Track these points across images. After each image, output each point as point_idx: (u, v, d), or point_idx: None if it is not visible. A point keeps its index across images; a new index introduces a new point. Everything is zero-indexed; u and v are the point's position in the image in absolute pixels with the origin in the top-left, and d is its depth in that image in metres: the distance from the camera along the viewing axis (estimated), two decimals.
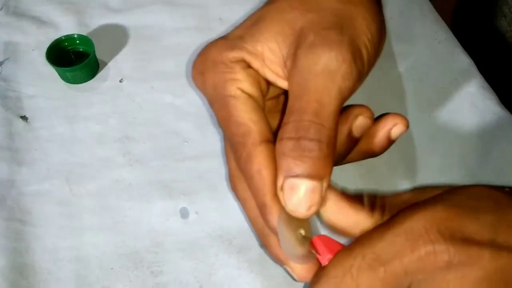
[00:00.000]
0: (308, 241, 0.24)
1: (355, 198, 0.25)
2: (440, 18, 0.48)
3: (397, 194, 0.25)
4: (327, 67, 0.23)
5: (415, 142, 0.39)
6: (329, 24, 0.24)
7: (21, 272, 0.33)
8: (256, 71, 0.26)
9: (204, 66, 0.26)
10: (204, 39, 0.46)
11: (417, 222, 0.22)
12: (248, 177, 0.25)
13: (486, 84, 0.43)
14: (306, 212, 0.23)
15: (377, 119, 0.27)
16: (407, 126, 0.27)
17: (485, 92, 0.42)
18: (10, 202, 0.36)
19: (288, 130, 0.23)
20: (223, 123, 0.26)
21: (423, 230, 0.21)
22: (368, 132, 0.27)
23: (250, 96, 0.25)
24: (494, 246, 0.21)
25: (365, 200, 0.25)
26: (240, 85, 0.25)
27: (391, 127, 0.27)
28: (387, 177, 0.38)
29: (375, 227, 0.23)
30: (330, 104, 0.23)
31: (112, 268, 0.34)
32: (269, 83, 0.27)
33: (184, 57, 0.44)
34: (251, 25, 0.26)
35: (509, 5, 0.49)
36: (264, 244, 0.27)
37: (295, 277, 0.26)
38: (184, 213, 0.36)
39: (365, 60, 0.25)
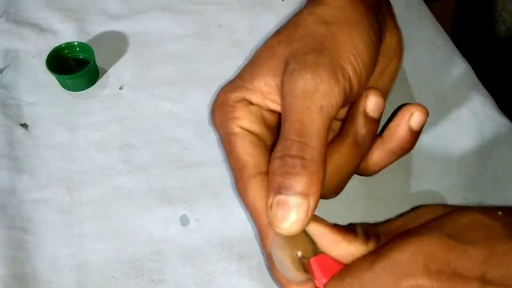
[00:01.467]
0: (306, 261, 0.25)
1: (348, 230, 0.25)
2: (438, 24, 0.48)
3: (389, 221, 0.26)
4: (305, 88, 0.25)
5: (415, 149, 0.39)
6: (309, 49, 0.26)
7: (22, 281, 0.33)
8: (258, 106, 0.28)
9: (214, 108, 0.29)
10: (203, 45, 0.46)
11: (404, 255, 0.22)
12: (247, 207, 0.27)
13: (484, 90, 0.43)
14: (290, 229, 0.24)
15: (394, 113, 0.28)
16: (426, 113, 0.28)
17: (483, 98, 0.42)
18: (11, 210, 0.36)
19: (275, 150, 0.25)
20: (227, 156, 0.28)
21: (408, 264, 0.22)
22: (390, 129, 0.28)
23: (250, 132, 0.28)
24: (483, 281, 0.21)
25: (358, 230, 0.25)
26: (240, 123, 0.28)
27: (409, 118, 0.27)
28: (386, 183, 0.38)
29: (366, 255, 0.24)
30: (312, 123, 0.24)
31: (112, 276, 0.34)
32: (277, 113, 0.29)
33: (184, 64, 0.45)
34: (249, 65, 0.29)
35: (508, 11, 0.50)
36: (269, 268, 0.29)
37: None
38: (184, 221, 0.36)
39: (351, 76, 0.26)
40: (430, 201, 0.37)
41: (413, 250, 0.22)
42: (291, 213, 0.23)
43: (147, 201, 0.37)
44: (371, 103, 0.27)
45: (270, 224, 0.24)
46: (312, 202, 0.24)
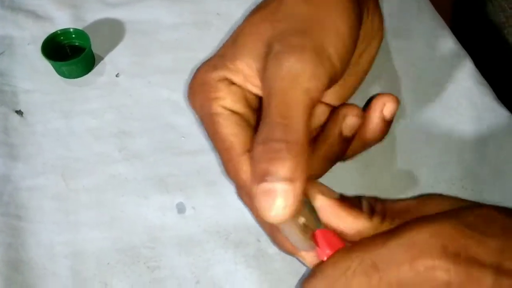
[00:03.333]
0: (309, 231, 0.24)
1: (354, 202, 0.25)
2: (437, 14, 0.48)
3: (398, 200, 0.25)
4: (289, 71, 0.24)
5: (413, 139, 0.39)
6: (292, 31, 0.25)
7: (17, 268, 0.33)
8: (240, 87, 0.27)
9: (193, 88, 0.28)
10: (201, 34, 0.46)
11: (422, 235, 0.21)
12: (240, 186, 0.26)
13: (483, 80, 0.43)
14: (278, 216, 0.22)
15: (366, 104, 0.28)
16: (397, 102, 0.27)
17: (482, 88, 0.42)
18: (5, 198, 0.36)
19: (257, 135, 0.24)
20: (211, 138, 0.27)
21: (426, 244, 0.21)
22: (365, 120, 0.27)
23: (233, 112, 0.27)
24: (498, 270, 0.21)
25: (364, 204, 0.25)
26: (222, 102, 0.27)
27: (382, 108, 0.27)
28: (384, 174, 0.38)
29: (379, 234, 0.23)
30: (297, 105, 0.24)
31: (108, 264, 0.34)
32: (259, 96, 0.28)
33: (181, 52, 0.44)
34: (230, 43, 0.28)
35: (508, 1, 0.49)
36: (274, 242, 0.28)
37: (307, 265, 0.26)
38: (181, 208, 0.36)
39: (334, 59, 0.25)
40: (429, 191, 0.37)
41: (431, 231, 0.21)
42: (278, 200, 0.22)
43: (143, 189, 0.37)
44: (348, 122, 0.27)
45: (259, 214, 0.23)
46: (298, 186, 0.22)
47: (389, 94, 0.27)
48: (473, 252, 0.21)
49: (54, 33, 0.42)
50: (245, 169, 0.25)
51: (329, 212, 0.24)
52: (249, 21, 0.28)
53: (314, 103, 0.25)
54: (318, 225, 0.25)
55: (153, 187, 0.37)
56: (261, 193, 0.22)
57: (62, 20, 0.46)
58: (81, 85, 0.42)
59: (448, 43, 0.45)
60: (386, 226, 0.24)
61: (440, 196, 0.25)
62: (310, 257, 0.26)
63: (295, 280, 0.33)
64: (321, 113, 0.30)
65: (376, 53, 0.31)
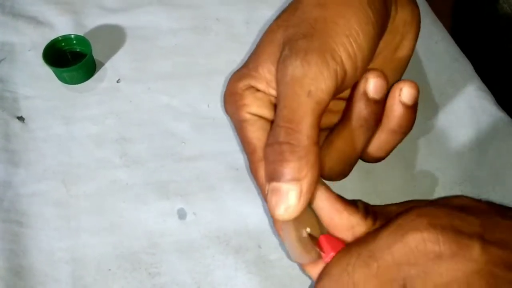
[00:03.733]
0: (314, 239, 0.25)
1: (351, 202, 0.26)
2: (437, 19, 0.48)
3: (385, 205, 0.27)
4: (293, 75, 0.25)
5: (412, 143, 0.39)
6: (301, 35, 0.26)
7: (18, 274, 0.33)
8: (264, 93, 0.29)
9: (226, 98, 0.30)
10: (201, 39, 0.46)
11: (408, 217, 0.23)
12: (259, 188, 0.28)
13: (483, 85, 0.43)
14: (284, 214, 0.24)
15: (386, 95, 0.28)
16: (415, 87, 0.27)
17: (481, 93, 0.42)
18: (6, 204, 0.36)
19: (267, 138, 0.26)
20: (241, 143, 0.29)
21: (413, 223, 0.22)
22: (386, 110, 0.28)
23: (259, 117, 0.28)
24: (483, 240, 0.22)
25: (359, 204, 0.26)
26: (249, 109, 0.28)
27: (399, 94, 0.27)
28: (385, 179, 0.38)
29: (372, 230, 0.25)
30: (299, 108, 0.25)
31: (109, 270, 0.34)
32: None
33: (181, 58, 0.44)
34: (253, 52, 0.29)
35: (509, 3, 0.49)
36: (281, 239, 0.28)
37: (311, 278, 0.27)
38: (181, 214, 0.36)
39: (343, 58, 0.25)
40: (427, 195, 0.37)
41: (417, 213, 0.23)
42: (284, 199, 0.24)
43: (144, 195, 0.37)
44: (371, 84, 0.27)
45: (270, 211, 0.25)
46: (305, 185, 0.24)
47: (406, 80, 0.27)
48: (457, 225, 0.22)
49: (55, 39, 0.43)
50: (261, 174, 0.27)
51: (328, 205, 0.25)
52: (268, 28, 0.29)
53: (321, 103, 0.25)
54: (321, 231, 0.26)
55: (154, 193, 0.37)
56: (270, 192, 0.24)
57: (62, 26, 0.46)
58: (82, 91, 0.42)
59: (447, 48, 0.45)
60: (377, 227, 0.25)
61: (421, 200, 0.27)
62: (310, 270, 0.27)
63: (294, 285, 0.33)
64: None
65: (414, 46, 0.31)
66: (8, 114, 0.41)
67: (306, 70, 0.25)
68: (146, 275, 0.33)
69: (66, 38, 0.43)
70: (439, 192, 0.37)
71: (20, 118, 0.41)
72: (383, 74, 0.27)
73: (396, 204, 0.26)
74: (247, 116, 0.28)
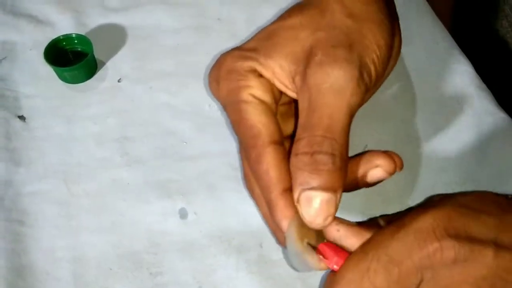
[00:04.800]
0: (314, 250, 0.25)
1: (371, 223, 0.26)
2: (438, 19, 0.48)
3: (407, 210, 0.26)
4: (336, 84, 0.25)
5: (412, 143, 0.39)
6: (338, 42, 0.26)
7: (19, 273, 0.33)
8: (268, 80, 0.28)
9: (219, 75, 0.28)
10: (202, 38, 0.46)
11: (425, 222, 0.23)
12: (257, 177, 0.27)
13: (483, 85, 0.43)
14: (323, 223, 0.24)
15: (363, 153, 0.28)
16: (389, 171, 0.27)
17: (482, 93, 0.42)
18: (7, 203, 0.36)
19: (302, 145, 0.25)
20: (236, 126, 0.28)
21: (430, 229, 0.23)
22: (351, 166, 0.27)
23: (262, 101, 0.27)
24: (496, 245, 0.22)
25: (381, 223, 0.26)
26: (252, 91, 0.27)
27: (370, 168, 0.27)
28: (386, 180, 0.38)
29: (385, 229, 0.25)
30: (340, 120, 0.25)
31: (110, 269, 0.34)
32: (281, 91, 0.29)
33: (183, 57, 0.44)
34: (264, 39, 0.28)
35: (510, 5, 0.49)
36: (277, 238, 0.28)
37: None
38: (183, 214, 0.36)
39: (373, 76, 0.26)
40: (428, 195, 0.37)
41: (432, 217, 0.23)
42: (323, 208, 0.24)
43: (145, 194, 0.37)
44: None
45: (303, 219, 0.25)
46: (339, 196, 0.24)
47: (388, 156, 0.27)
48: (471, 230, 0.23)
49: (56, 38, 0.42)
50: (267, 161, 0.26)
51: (355, 239, 0.25)
52: (287, 22, 0.28)
53: (353, 117, 0.26)
54: (319, 241, 0.26)
55: (155, 192, 0.37)
56: (305, 200, 0.24)
57: (63, 25, 0.46)
58: (83, 90, 0.42)
59: (448, 48, 0.45)
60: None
61: (438, 195, 0.27)
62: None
63: (295, 285, 0.33)
64: None
65: (389, 74, 0.32)
66: (9, 113, 0.40)
67: (348, 83, 0.25)
68: (148, 275, 0.33)
69: (67, 37, 0.43)
70: (441, 192, 0.37)
71: (21, 117, 0.40)
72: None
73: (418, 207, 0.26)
74: (250, 98, 0.27)
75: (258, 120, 0.27)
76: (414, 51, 0.45)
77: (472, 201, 0.24)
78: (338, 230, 0.25)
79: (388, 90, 0.43)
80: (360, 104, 0.26)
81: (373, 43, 0.26)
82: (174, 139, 0.40)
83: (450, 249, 0.22)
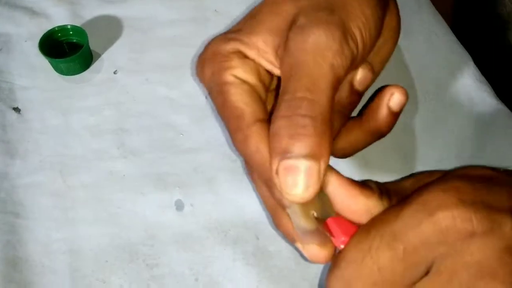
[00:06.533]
0: (321, 222, 0.23)
1: (364, 185, 0.24)
2: (437, 12, 0.48)
3: (397, 182, 0.25)
4: (316, 44, 0.23)
5: (412, 135, 0.39)
6: (319, 8, 0.25)
7: (15, 265, 0.33)
8: (253, 61, 0.27)
9: (204, 58, 0.27)
10: (199, 30, 0.46)
11: (434, 193, 0.21)
12: (248, 159, 0.25)
13: (482, 77, 0.43)
14: (303, 194, 0.22)
15: (373, 95, 0.27)
16: (406, 94, 0.26)
17: (481, 85, 0.42)
18: (3, 195, 0.36)
19: (280, 109, 0.23)
20: (220, 109, 0.26)
21: (441, 199, 0.20)
22: (370, 110, 0.27)
23: (244, 81, 0.26)
24: None
25: (373, 185, 0.24)
26: (234, 72, 0.26)
27: (389, 99, 0.26)
28: (383, 171, 0.38)
29: (389, 208, 0.23)
30: (322, 80, 0.23)
31: (106, 261, 0.33)
32: (272, 75, 0.28)
33: (179, 49, 0.44)
34: (248, 19, 0.27)
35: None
36: (275, 223, 0.27)
37: (307, 256, 0.25)
38: (179, 206, 0.36)
39: (359, 42, 0.25)
40: None
41: (442, 188, 0.21)
42: (303, 178, 0.21)
43: (141, 186, 0.37)
44: (360, 76, 0.26)
45: (281, 191, 0.22)
46: (323, 165, 0.22)
47: (398, 85, 0.27)
48: (487, 199, 0.21)
49: (51, 29, 0.42)
50: (254, 140, 0.24)
51: (342, 191, 0.23)
52: (268, 0, 0.27)
53: (339, 81, 0.24)
54: (328, 214, 0.24)
55: (151, 184, 0.37)
56: (283, 170, 0.22)
57: (59, 17, 0.45)
58: (79, 82, 0.42)
59: (448, 41, 0.45)
60: (394, 204, 0.23)
61: (435, 170, 0.25)
62: (310, 248, 0.25)
63: (293, 276, 0.33)
64: None
65: (390, 54, 0.31)
66: (4, 105, 0.40)
67: (330, 42, 0.23)
68: (144, 266, 0.33)
69: (62, 29, 0.42)
70: None
71: (16, 109, 0.40)
72: (372, 68, 0.27)
73: (408, 178, 0.25)
74: (232, 78, 0.25)
75: (241, 100, 0.25)
76: (414, 43, 0.45)
77: (479, 173, 0.22)
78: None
79: (386, 82, 0.42)
80: (345, 70, 0.24)
81: (358, 11, 0.25)
82: (171, 131, 0.39)
83: (466, 221, 0.20)
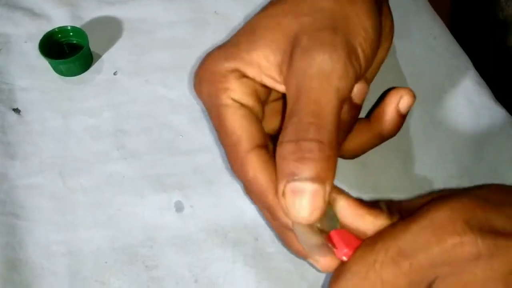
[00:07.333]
0: (324, 234, 0.24)
1: (373, 205, 0.25)
2: (436, 14, 0.48)
3: (412, 199, 0.25)
4: (322, 68, 0.24)
5: (410, 137, 0.39)
6: (322, 26, 0.25)
7: (14, 267, 0.33)
8: (252, 80, 0.26)
9: (201, 76, 0.27)
10: (199, 32, 0.46)
11: (442, 214, 0.21)
12: (246, 184, 0.25)
13: (481, 80, 0.43)
14: (309, 217, 0.22)
15: (382, 97, 0.27)
16: (414, 96, 0.27)
17: (480, 88, 0.42)
18: (2, 196, 0.36)
19: (287, 133, 0.23)
20: (217, 130, 0.27)
21: (449, 221, 0.21)
22: (378, 113, 0.27)
23: (242, 105, 0.26)
24: None
25: (382, 206, 0.24)
26: (232, 94, 0.26)
27: (398, 101, 0.27)
28: (382, 173, 0.38)
29: (397, 222, 0.23)
30: (328, 105, 0.23)
31: (106, 263, 0.33)
32: (269, 88, 0.28)
33: (179, 50, 0.44)
34: (246, 33, 0.27)
35: (507, 0, 0.49)
36: (285, 244, 0.27)
37: (320, 269, 0.26)
38: (178, 207, 0.36)
39: (361, 59, 0.25)
40: (426, 189, 0.37)
41: (449, 209, 0.21)
42: (309, 200, 0.22)
43: (141, 188, 0.37)
44: (356, 90, 0.26)
45: (286, 213, 0.23)
46: (328, 188, 0.22)
47: (406, 88, 0.27)
48: (495, 223, 0.21)
49: (51, 30, 0.42)
50: (252, 167, 0.25)
51: (350, 212, 0.24)
52: (268, 12, 0.27)
53: (344, 102, 0.24)
54: (332, 226, 0.24)
55: (151, 186, 0.37)
56: (290, 192, 0.22)
57: (59, 18, 0.45)
58: (79, 83, 0.42)
59: (446, 43, 0.45)
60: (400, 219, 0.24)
61: (452, 189, 0.25)
62: (322, 261, 0.25)
63: (293, 279, 0.33)
64: None
65: (385, 57, 0.31)
66: (4, 106, 0.40)
67: (335, 66, 0.24)
68: (143, 268, 0.33)
69: (62, 30, 0.42)
70: (437, 186, 0.37)
71: (16, 110, 0.40)
72: (365, 78, 0.27)
73: (425, 196, 0.25)
74: (229, 101, 0.26)
75: (238, 125, 0.25)
76: (412, 46, 0.45)
77: (490, 193, 0.23)
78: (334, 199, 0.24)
79: (384, 84, 0.43)
80: (349, 89, 0.24)
81: (358, 25, 0.25)
82: (171, 133, 0.39)
83: (472, 244, 0.20)
